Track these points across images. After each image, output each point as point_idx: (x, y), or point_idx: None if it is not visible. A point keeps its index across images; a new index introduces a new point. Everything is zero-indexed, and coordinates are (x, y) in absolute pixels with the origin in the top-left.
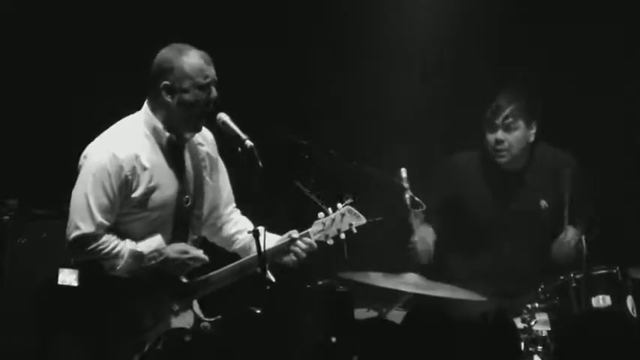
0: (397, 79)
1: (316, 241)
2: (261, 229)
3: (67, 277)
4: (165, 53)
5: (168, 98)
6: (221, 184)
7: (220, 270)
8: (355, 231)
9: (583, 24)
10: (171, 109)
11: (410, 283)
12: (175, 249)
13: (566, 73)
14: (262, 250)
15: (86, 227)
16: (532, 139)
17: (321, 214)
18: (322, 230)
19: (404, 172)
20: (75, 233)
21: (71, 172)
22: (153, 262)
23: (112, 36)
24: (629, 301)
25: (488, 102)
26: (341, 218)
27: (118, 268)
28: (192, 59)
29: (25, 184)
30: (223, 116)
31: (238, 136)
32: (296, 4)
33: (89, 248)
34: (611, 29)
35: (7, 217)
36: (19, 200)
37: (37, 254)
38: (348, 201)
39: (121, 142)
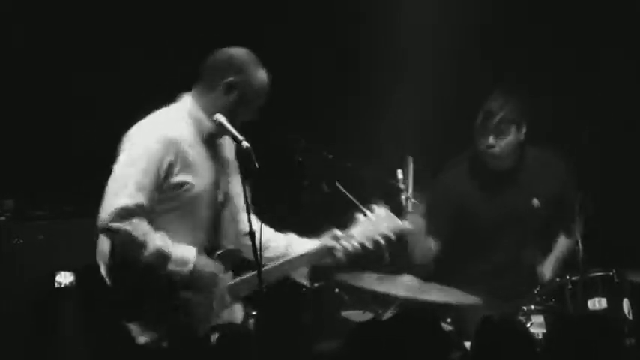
0: (397, 81)
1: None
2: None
3: (64, 280)
4: (240, 55)
5: (224, 93)
6: (238, 183)
7: (267, 267)
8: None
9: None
10: (221, 104)
11: (405, 285)
12: (203, 265)
13: (566, 72)
14: (259, 253)
15: (125, 201)
16: (522, 138)
17: (360, 216)
18: (363, 232)
19: (400, 174)
20: (115, 206)
21: (68, 174)
22: (177, 269)
23: (111, 38)
24: (625, 304)
25: (479, 106)
26: (378, 221)
27: (141, 258)
28: (264, 77)
29: (22, 185)
30: (219, 117)
31: (235, 137)
32: (299, 4)
33: (124, 226)
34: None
35: (3, 218)
36: (16, 201)
37: (33, 256)
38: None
39: (167, 125)
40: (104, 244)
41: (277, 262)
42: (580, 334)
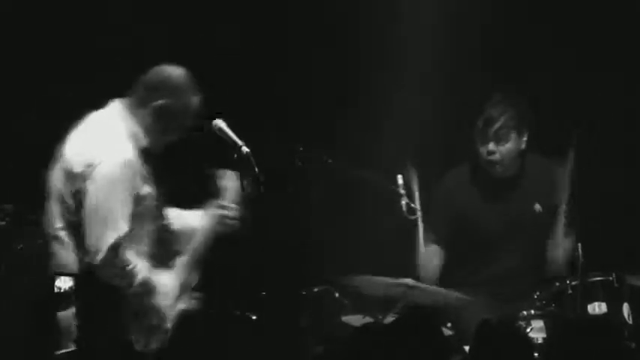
0: (396, 83)
1: None
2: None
3: (63, 284)
4: (176, 78)
5: (154, 114)
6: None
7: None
8: None
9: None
10: (150, 123)
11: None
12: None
13: (566, 73)
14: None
15: (117, 234)
16: (523, 146)
17: (221, 183)
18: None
19: (400, 179)
20: (105, 244)
21: None
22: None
23: (112, 40)
24: (625, 308)
25: (479, 107)
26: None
27: (133, 286)
28: (196, 102)
29: (21, 189)
30: (219, 122)
31: (234, 142)
32: (300, 7)
33: (121, 258)
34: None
35: (2, 223)
36: (15, 205)
37: (33, 260)
38: None
39: (123, 147)
40: (67, 257)
41: (191, 246)
42: (580, 339)
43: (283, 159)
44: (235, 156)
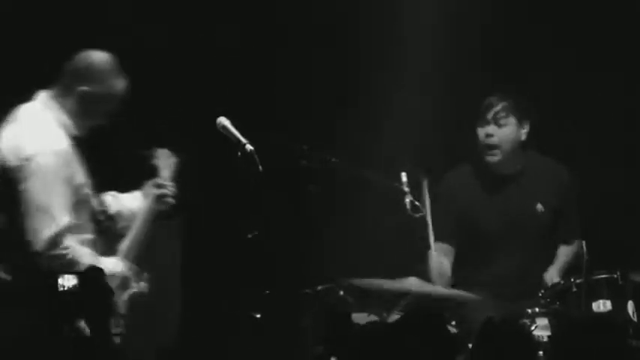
0: (398, 85)
1: None
2: None
3: (67, 282)
4: (99, 64)
5: (79, 100)
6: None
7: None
8: None
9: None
10: (76, 110)
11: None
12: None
13: (568, 80)
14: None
15: (57, 226)
16: (523, 138)
17: (156, 162)
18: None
19: (404, 177)
20: (47, 235)
21: None
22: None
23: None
24: (630, 306)
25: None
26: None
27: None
28: (120, 87)
29: None
30: (223, 120)
31: (238, 140)
32: (300, 7)
33: (60, 249)
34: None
35: None
36: None
37: None
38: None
39: (57, 137)
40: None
41: (133, 228)
42: (585, 337)
43: (286, 158)
44: (239, 154)
